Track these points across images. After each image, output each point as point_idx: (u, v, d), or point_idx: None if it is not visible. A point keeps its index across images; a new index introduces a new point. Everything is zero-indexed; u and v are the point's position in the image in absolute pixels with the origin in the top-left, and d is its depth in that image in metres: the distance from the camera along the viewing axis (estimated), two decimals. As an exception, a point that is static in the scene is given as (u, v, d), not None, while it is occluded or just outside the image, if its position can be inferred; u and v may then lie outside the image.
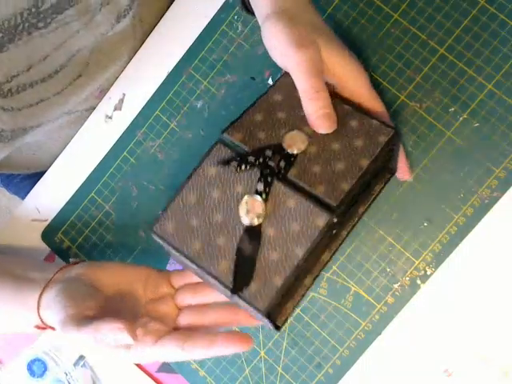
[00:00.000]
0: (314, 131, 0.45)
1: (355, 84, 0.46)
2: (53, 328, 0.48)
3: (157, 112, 0.60)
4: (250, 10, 0.53)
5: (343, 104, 0.46)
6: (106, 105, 0.62)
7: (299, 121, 0.46)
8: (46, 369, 0.61)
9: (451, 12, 0.52)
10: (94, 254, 0.60)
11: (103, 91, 0.62)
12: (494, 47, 0.51)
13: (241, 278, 0.42)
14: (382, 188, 0.50)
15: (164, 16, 0.61)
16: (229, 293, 0.42)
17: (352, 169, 0.44)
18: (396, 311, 0.52)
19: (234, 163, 0.44)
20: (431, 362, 0.51)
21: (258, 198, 0.43)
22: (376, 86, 0.53)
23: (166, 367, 0.58)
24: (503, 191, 0.50)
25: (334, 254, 0.49)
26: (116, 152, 0.61)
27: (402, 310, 0.52)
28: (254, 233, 0.43)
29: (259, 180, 0.43)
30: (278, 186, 0.43)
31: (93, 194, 0.61)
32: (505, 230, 0.50)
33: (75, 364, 0.61)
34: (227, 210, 0.43)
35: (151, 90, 0.60)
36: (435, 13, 0.52)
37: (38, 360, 0.61)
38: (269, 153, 0.44)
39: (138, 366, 0.59)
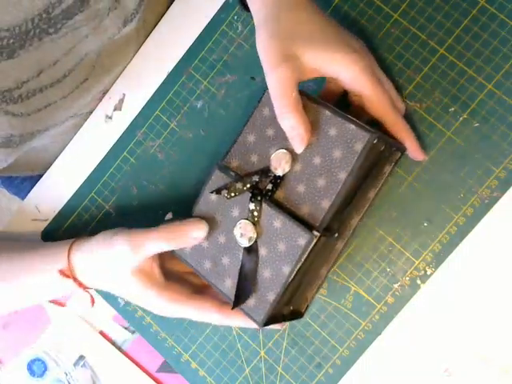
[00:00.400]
0: None
1: (350, 78, 0.46)
2: (76, 280, 0.51)
3: (157, 112, 0.60)
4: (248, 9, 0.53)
5: (325, 109, 0.45)
6: (106, 105, 0.62)
7: (285, 137, 0.46)
8: (46, 369, 0.61)
9: (451, 12, 0.52)
10: (94, 253, 0.60)
11: (105, 93, 0.62)
12: (494, 47, 0.51)
13: (241, 294, 0.47)
14: (393, 168, 0.50)
15: (164, 16, 0.61)
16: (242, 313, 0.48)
17: (331, 184, 0.45)
18: (396, 311, 0.52)
19: (225, 192, 0.47)
20: (431, 362, 0.51)
21: (249, 222, 0.47)
22: (376, 85, 0.53)
23: (166, 367, 0.58)
24: (503, 191, 0.50)
25: (347, 241, 0.51)
26: (116, 152, 0.61)
27: (402, 310, 0.52)
28: (251, 253, 0.47)
29: (250, 201, 0.47)
30: (266, 208, 0.46)
31: (93, 193, 0.61)
32: (505, 230, 0.50)
33: (75, 364, 0.61)
34: (228, 232, 0.48)
35: (151, 90, 0.60)
36: (435, 13, 0.52)
37: (38, 360, 0.61)
38: (256, 178, 0.47)
39: (138, 365, 0.59)
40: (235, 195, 0.47)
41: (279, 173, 0.47)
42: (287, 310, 0.50)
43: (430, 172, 0.52)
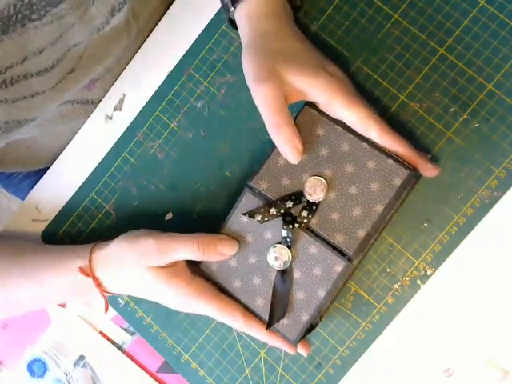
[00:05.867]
0: (334, 174, 0.48)
1: (325, 101, 0.47)
2: (95, 279, 0.51)
3: (157, 112, 0.60)
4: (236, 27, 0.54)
5: (361, 142, 0.48)
6: (106, 105, 0.62)
7: (319, 163, 0.49)
8: (46, 369, 0.61)
9: (451, 12, 0.52)
10: (94, 254, 0.60)
11: (93, 82, 0.61)
12: (494, 47, 0.51)
13: (275, 315, 0.49)
14: (409, 192, 0.51)
15: (164, 16, 0.61)
16: (265, 326, 0.50)
17: (368, 215, 0.47)
18: (396, 311, 0.52)
19: (258, 216, 0.49)
20: (431, 362, 0.51)
21: (285, 247, 0.48)
22: (376, 85, 0.53)
23: (166, 367, 0.58)
24: (503, 191, 0.50)
25: (362, 259, 0.53)
26: (116, 152, 0.61)
27: (402, 310, 0.52)
28: (285, 275, 0.49)
29: (283, 228, 0.48)
30: (301, 234, 0.48)
31: (93, 193, 0.61)
32: (505, 230, 0.50)
33: (75, 364, 0.61)
34: (260, 254, 0.50)
35: (151, 90, 0.60)
36: (435, 13, 0.52)
37: (38, 360, 0.61)
38: (289, 204, 0.48)
39: (139, 365, 0.59)
40: (268, 220, 0.49)
41: (314, 199, 0.48)
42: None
43: (430, 172, 0.52)
